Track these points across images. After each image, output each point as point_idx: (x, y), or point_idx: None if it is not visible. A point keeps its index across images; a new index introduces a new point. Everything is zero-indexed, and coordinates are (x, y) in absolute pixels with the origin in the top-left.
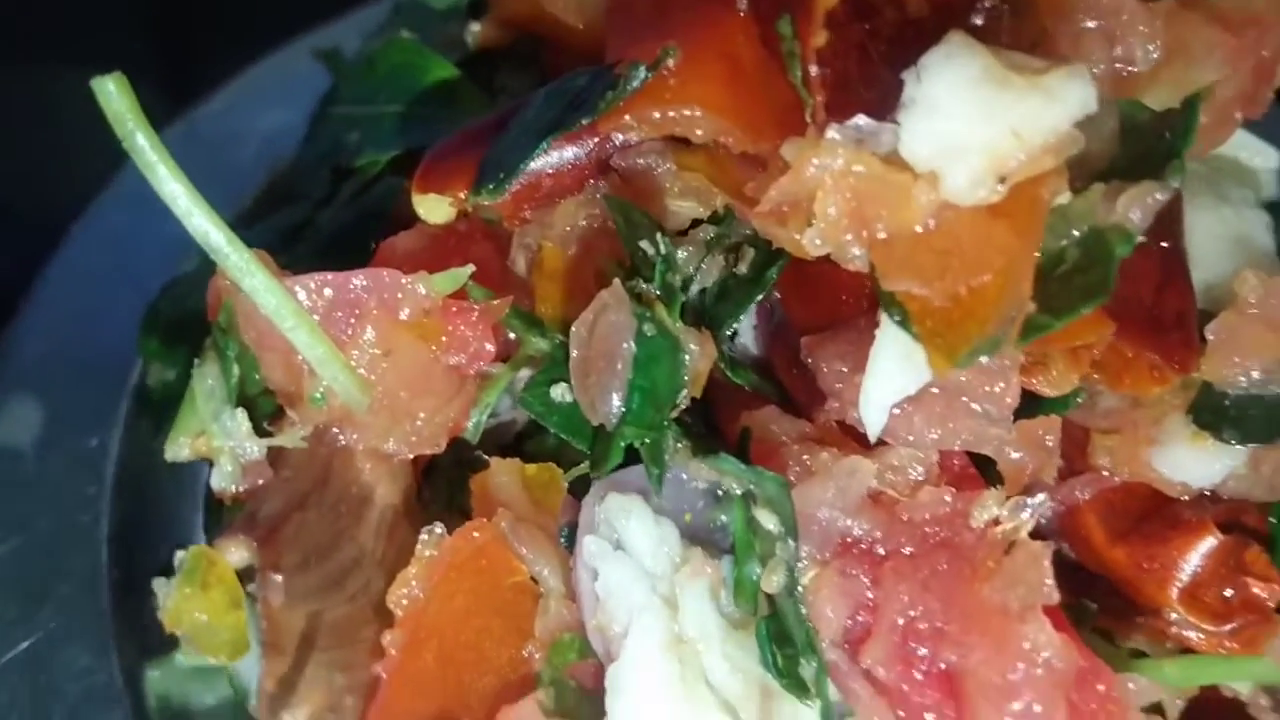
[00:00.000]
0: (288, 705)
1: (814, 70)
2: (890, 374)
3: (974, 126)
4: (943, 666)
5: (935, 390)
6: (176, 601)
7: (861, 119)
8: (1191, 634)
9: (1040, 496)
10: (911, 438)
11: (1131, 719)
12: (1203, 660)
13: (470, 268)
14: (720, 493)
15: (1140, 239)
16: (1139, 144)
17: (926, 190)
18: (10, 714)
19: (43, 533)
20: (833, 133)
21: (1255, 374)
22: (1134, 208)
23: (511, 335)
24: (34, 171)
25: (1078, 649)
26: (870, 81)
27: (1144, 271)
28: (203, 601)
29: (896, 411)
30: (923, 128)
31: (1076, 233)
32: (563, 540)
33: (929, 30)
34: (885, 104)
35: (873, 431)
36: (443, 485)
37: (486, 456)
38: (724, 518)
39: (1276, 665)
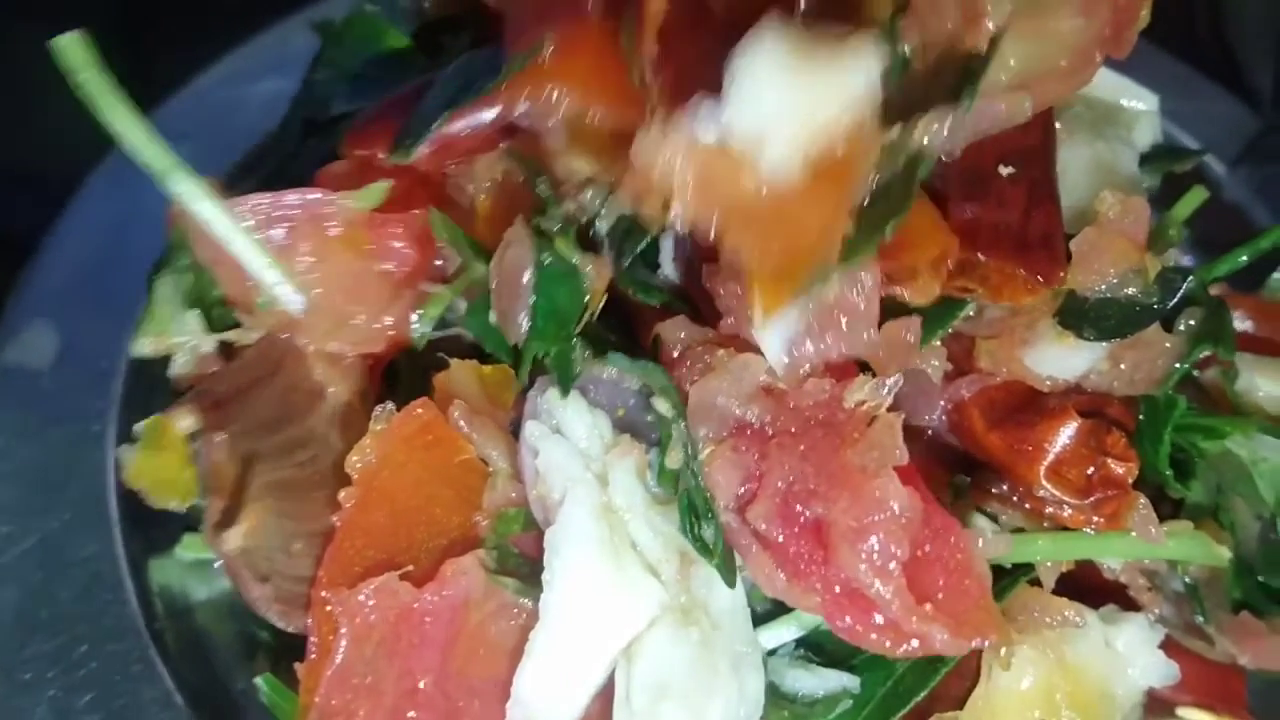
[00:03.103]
0: (227, 529)
1: (649, 75)
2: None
3: (779, 111)
4: (812, 518)
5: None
6: (137, 463)
7: (699, 107)
8: (1062, 511)
9: (897, 377)
10: (797, 354)
11: (977, 565)
12: (1073, 535)
13: (388, 183)
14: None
15: (1011, 170)
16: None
17: (750, 168)
18: (24, 595)
19: (58, 439)
20: (672, 127)
21: (1112, 279)
22: (927, 131)
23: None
24: (54, 132)
25: (924, 502)
26: (707, 71)
27: (1013, 199)
28: (158, 461)
29: None
30: (739, 114)
31: (900, 166)
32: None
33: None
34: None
35: (777, 366)
36: (406, 389)
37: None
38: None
39: (1141, 542)
